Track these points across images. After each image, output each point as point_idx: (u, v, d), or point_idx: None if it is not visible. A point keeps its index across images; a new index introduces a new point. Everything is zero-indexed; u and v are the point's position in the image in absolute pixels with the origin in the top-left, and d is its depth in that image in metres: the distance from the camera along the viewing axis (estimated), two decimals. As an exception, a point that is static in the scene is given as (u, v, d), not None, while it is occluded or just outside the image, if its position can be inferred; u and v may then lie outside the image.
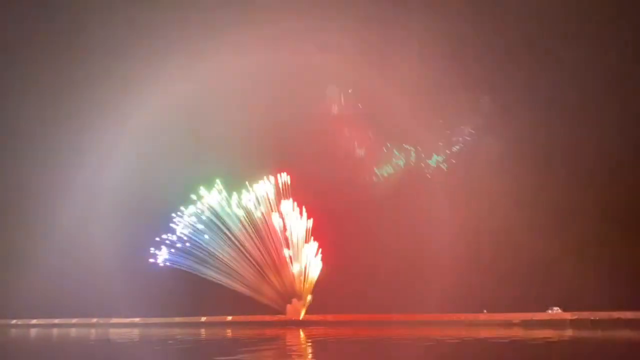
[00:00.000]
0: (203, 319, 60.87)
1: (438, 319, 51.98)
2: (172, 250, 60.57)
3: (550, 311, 50.02)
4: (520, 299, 49.46)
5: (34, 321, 62.53)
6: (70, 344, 35.79)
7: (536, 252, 51.08)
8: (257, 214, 60.67)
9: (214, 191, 61.55)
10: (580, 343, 31.38)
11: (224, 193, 61.56)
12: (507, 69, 55.39)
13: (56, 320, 61.67)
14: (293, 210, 60.19)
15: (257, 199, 61.03)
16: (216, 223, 61.30)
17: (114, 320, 61.48)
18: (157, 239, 60.59)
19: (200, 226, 61.25)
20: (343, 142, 61.24)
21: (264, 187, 60.95)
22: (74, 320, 61.60)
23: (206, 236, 61.20)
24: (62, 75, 63.19)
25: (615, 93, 52.66)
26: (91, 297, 59.26)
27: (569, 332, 39.91)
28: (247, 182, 61.13)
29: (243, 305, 59.09)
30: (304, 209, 59.72)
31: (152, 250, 60.25)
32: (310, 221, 59.51)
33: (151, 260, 60.08)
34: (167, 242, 60.60)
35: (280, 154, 60.07)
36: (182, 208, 61.29)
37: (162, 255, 60.39)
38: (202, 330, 52.19)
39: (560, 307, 49.90)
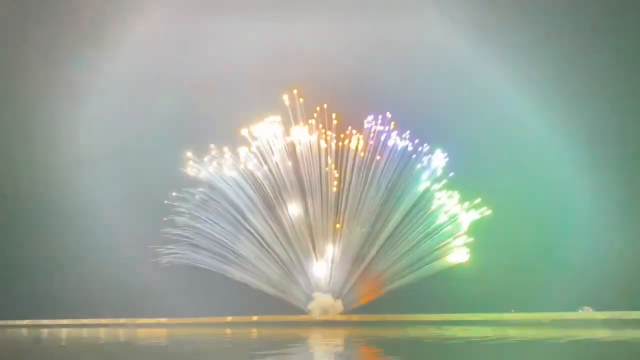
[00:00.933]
0: (229, 318, 61.06)
1: (465, 319, 51.40)
2: (172, 247, 59.93)
3: (581, 311, 49.06)
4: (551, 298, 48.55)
5: (64, 321, 63.63)
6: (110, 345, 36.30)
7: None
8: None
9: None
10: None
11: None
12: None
13: (85, 321, 62.70)
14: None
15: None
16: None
17: (141, 320, 62.18)
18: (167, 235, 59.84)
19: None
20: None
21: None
22: (103, 321, 62.58)
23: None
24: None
25: None
26: (117, 297, 59.96)
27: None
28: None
29: (267, 304, 58.89)
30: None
31: (152, 247, 59.46)
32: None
33: (153, 260, 59.15)
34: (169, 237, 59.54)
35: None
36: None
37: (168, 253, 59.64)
38: (228, 330, 52.37)
39: (591, 307, 48.99)
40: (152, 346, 32.62)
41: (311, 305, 58.12)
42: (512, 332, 40.34)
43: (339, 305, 57.72)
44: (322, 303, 57.70)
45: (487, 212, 55.31)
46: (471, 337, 35.63)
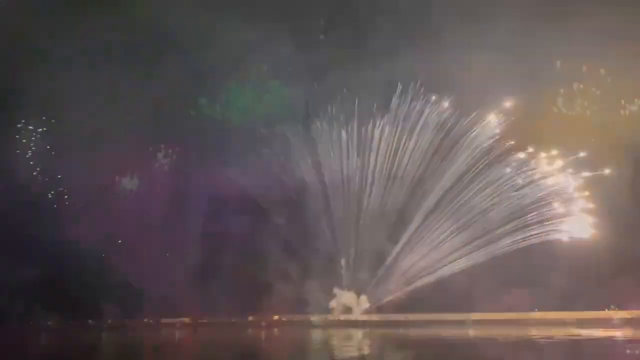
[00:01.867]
0: (250, 318, 60.94)
1: (485, 318, 51.17)
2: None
3: (607, 310, 48.71)
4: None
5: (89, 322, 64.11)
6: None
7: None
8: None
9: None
10: None
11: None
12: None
13: (110, 321, 63.06)
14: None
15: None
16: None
17: (164, 320, 62.36)
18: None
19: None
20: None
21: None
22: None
23: None
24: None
25: None
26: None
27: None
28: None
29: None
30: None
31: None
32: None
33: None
34: None
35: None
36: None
37: None
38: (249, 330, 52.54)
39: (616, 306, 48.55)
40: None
41: (333, 303, 57.16)
42: (534, 332, 40.28)
43: (364, 301, 56.28)
44: (345, 300, 56.56)
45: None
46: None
